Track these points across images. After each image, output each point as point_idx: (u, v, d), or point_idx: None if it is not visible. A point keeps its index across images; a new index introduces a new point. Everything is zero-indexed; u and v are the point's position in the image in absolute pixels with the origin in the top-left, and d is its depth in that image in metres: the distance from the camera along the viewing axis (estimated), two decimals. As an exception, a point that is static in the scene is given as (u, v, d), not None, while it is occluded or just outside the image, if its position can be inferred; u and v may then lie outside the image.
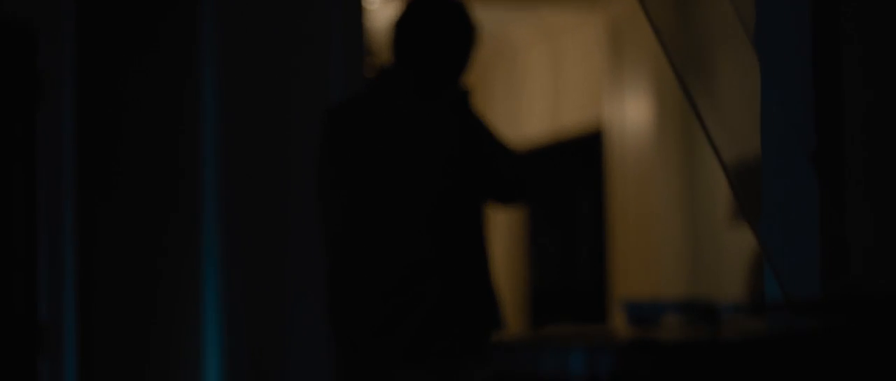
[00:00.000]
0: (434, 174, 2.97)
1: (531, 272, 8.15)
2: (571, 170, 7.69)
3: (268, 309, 4.01)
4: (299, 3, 4.07)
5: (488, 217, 3.11)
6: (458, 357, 2.84)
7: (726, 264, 5.68)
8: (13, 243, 3.83)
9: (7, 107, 3.85)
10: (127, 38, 4.04)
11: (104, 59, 4.01)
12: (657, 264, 6.16)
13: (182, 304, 4.00)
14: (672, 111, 6.10)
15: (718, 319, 0.93)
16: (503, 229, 8.18)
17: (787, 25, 1.35)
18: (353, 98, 3.26)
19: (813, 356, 0.92)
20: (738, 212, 4.56)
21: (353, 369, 3.03)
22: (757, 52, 1.29)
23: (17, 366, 3.79)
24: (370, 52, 4.25)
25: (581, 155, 7.43)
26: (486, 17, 7.49)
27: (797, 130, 1.30)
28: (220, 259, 3.97)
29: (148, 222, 4.03)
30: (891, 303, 1.02)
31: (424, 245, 2.95)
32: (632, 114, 6.35)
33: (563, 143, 7.58)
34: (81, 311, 3.93)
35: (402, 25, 3.07)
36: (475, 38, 3.13)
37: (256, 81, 4.01)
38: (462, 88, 3.09)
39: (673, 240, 6.08)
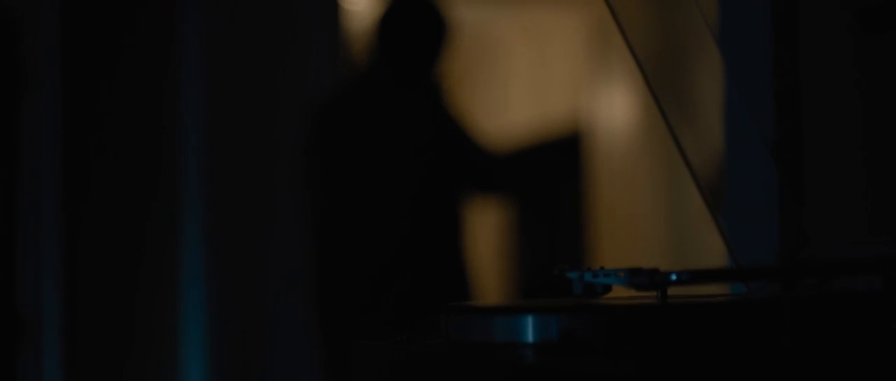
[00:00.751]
0: (411, 164, 3.08)
1: (519, 268, 8.17)
2: (556, 166, 7.70)
3: (251, 303, 4.02)
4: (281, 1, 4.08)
5: (466, 208, 3.19)
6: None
7: (711, 260, 5.71)
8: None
9: (-10, 97, 3.85)
10: (112, 27, 4.05)
11: (89, 47, 4.02)
12: (642, 261, 6.18)
13: (165, 297, 4.01)
14: (657, 108, 6.11)
15: (667, 285, 0.96)
16: (490, 226, 8.20)
17: (748, 25, 1.38)
18: (335, 94, 3.38)
19: (761, 319, 0.94)
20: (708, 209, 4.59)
21: (337, 349, 3.11)
22: (719, 50, 1.31)
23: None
24: (352, 51, 4.29)
25: (565, 152, 7.44)
26: (469, 15, 7.52)
27: (758, 123, 1.32)
28: (204, 252, 3.99)
29: (131, 215, 4.04)
30: (841, 269, 1.04)
31: (405, 232, 3.07)
32: (616, 111, 6.37)
33: (548, 139, 7.59)
34: (63, 304, 3.94)
35: (381, 23, 3.24)
36: (448, 32, 3.28)
37: (240, 73, 4.02)
38: (437, 80, 3.23)
39: (657, 237, 6.11)
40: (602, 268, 1.07)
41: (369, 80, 3.22)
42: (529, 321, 0.93)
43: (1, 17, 3.83)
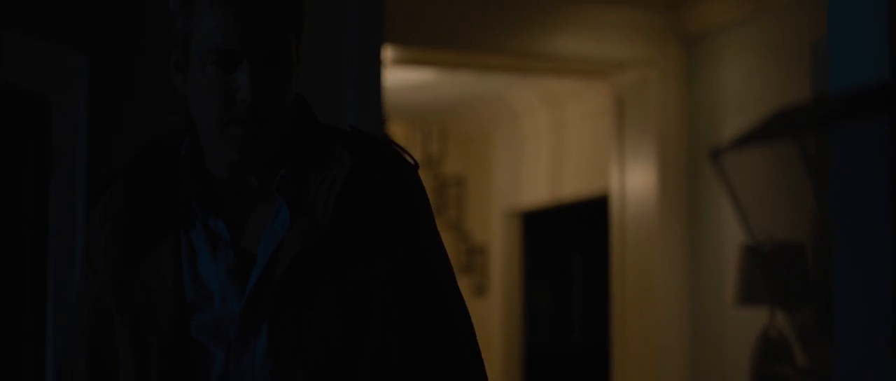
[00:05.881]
0: None
1: (526, 334, 8.14)
2: (572, 235, 7.70)
3: None
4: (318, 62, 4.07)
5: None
6: None
7: (730, 339, 5.69)
8: (22, 314, 3.81)
9: (20, 178, 3.84)
10: (139, 109, 4.05)
11: (116, 129, 4.02)
12: (658, 332, 6.15)
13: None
14: (676, 182, 6.11)
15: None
16: (498, 289, 8.17)
17: (869, 209, 1.33)
18: None
19: None
20: (745, 294, 4.57)
21: None
22: (835, 238, 1.27)
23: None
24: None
25: (583, 221, 7.43)
26: (487, 81, 7.52)
27: (878, 316, 1.27)
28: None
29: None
30: None
31: None
32: (635, 183, 6.35)
33: (565, 208, 7.58)
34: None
35: None
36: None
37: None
38: None
39: (675, 310, 6.08)
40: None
41: None
42: None
43: (31, 101, 3.83)
